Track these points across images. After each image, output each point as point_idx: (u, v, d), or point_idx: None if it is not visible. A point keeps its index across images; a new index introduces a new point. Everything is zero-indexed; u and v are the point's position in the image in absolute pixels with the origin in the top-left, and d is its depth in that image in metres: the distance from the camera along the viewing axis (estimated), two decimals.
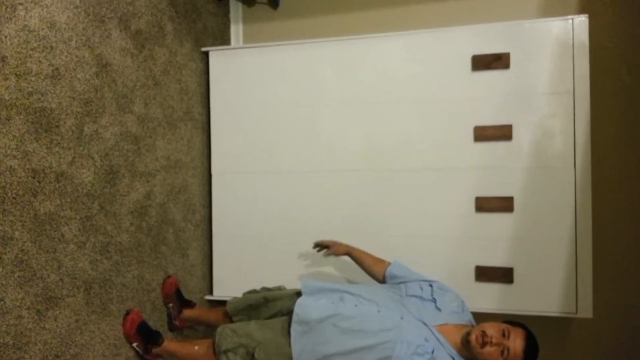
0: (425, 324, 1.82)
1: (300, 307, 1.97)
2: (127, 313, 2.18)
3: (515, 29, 2.40)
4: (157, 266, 2.41)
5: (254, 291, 2.32)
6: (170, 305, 2.45)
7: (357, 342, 1.80)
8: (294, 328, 1.93)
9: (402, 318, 1.84)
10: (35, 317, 1.74)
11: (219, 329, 2.06)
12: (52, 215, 1.81)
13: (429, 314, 1.89)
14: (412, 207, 2.51)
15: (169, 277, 2.47)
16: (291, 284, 2.39)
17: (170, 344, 2.21)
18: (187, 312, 2.48)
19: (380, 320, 1.84)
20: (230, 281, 2.76)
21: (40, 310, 1.76)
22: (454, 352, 1.76)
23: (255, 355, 1.92)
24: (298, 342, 1.91)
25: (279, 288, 2.30)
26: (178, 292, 2.49)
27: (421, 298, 1.98)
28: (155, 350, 2.19)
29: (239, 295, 2.34)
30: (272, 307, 2.17)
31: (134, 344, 2.17)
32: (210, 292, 2.81)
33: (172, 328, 2.48)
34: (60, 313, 1.84)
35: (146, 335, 2.19)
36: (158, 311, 2.40)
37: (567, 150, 2.33)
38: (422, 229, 2.50)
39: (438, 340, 1.76)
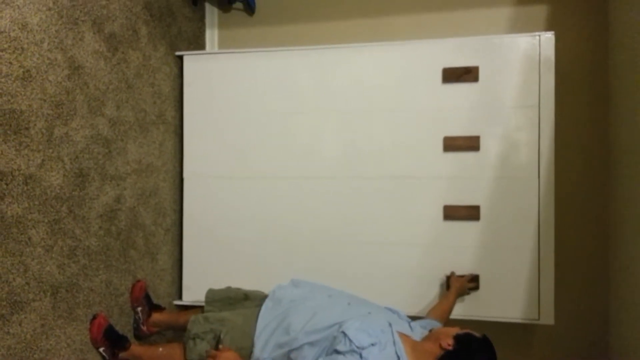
0: (390, 325, 1.86)
1: (279, 288, 2.11)
2: (94, 317, 2.15)
3: (484, 44, 2.47)
4: (126, 271, 2.39)
5: (235, 289, 2.33)
6: (139, 309, 2.43)
7: (320, 322, 1.85)
8: (266, 304, 2.04)
9: (369, 313, 1.89)
10: None
11: (193, 317, 2.10)
12: (19, 218, 1.78)
13: (399, 324, 1.92)
14: (383, 215, 2.55)
15: (138, 281, 2.45)
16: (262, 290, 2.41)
17: (136, 347, 2.22)
18: (157, 316, 2.46)
19: (347, 310, 1.91)
20: (200, 286, 2.73)
21: (5, 314, 1.73)
22: (405, 358, 1.74)
23: (221, 337, 1.95)
24: (265, 317, 1.98)
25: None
26: (147, 297, 2.47)
27: (398, 315, 2.02)
28: (122, 354, 2.18)
29: None
30: (248, 305, 2.19)
31: (101, 349, 2.15)
32: (180, 297, 2.79)
33: (138, 335, 2.45)
34: (25, 317, 1.81)
35: (113, 340, 2.17)
36: (126, 316, 2.38)
37: (531, 161, 2.41)
38: (391, 236, 2.54)
39: (393, 339, 1.77)
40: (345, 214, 2.58)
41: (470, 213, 2.46)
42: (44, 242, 1.89)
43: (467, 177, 2.47)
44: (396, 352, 1.72)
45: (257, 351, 1.93)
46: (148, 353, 2.22)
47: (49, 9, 1.90)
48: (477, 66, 2.46)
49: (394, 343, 1.75)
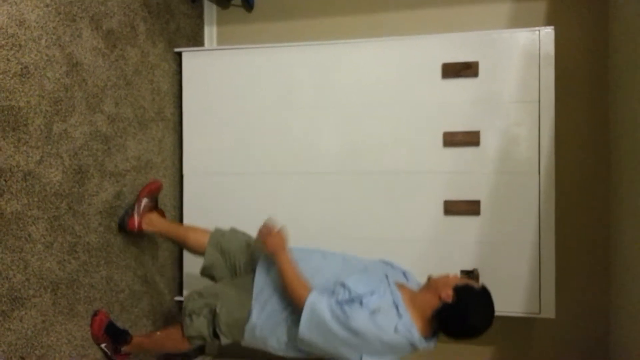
0: (387, 276, 1.89)
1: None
2: (95, 314, 2.16)
3: (484, 39, 2.46)
4: (126, 267, 2.39)
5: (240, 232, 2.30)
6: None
7: (319, 282, 1.87)
8: (261, 263, 2.02)
9: (365, 267, 1.95)
10: (0, 318, 1.71)
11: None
12: (18, 215, 1.78)
13: (394, 274, 1.97)
14: (383, 210, 2.54)
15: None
16: None
17: (137, 339, 2.22)
18: (154, 217, 2.37)
19: (343, 267, 1.95)
20: (200, 282, 2.74)
21: (5, 310, 1.73)
22: (402, 306, 1.75)
23: (217, 310, 1.97)
24: (259, 282, 1.98)
25: None
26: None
27: (392, 265, 2.06)
28: (124, 348, 2.18)
29: None
30: (242, 257, 2.18)
31: (103, 345, 2.16)
32: (180, 293, 2.80)
33: None
34: (26, 314, 1.81)
35: (115, 335, 2.17)
36: (126, 312, 2.38)
37: (532, 156, 2.40)
38: (392, 231, 2.54)
39: (391, 289, 1.81)
40: (345, 209, 2.58)
41: (471, 208, 2.46)
42: (44, 238, 1.90)
43: (467, 172, 2.47)
44: (394, 301, 1.75)
45: (254, 317, 1.94)
46: (148, 340, 2.23)
47: (47, 6, 1.90)
48: (476, 61, 2.45)
49: (392, 293, 1.79)
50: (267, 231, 1.98)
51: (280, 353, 1.96)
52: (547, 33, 2.40)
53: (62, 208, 1.99)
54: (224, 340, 2.01)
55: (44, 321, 1.90)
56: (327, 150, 2.61)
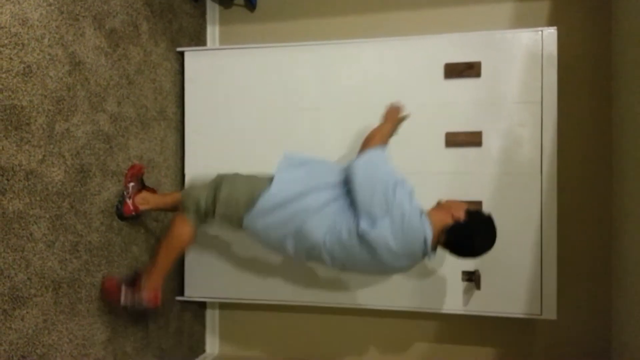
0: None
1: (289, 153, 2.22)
2: (102, 284, 2.17)
3: (487, 39, 2.46)
4: (128, 266, 2.39)
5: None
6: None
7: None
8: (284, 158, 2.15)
9: None
10: (1, 316, 1.71)
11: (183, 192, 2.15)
12: (20, 214, 1.79)
13: None
14: None
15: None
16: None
17: (146, 267, 2.22)
18: (146, 195, 2.37)
19: None
20: (202, 283, 2.75)
21: (7, 309, 1.73)
22: (425, 217, 1.89)
23: (222, 186, 2.02)
24: (289, 171, 2.10)
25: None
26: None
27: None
28: (142, 282, 2.16)
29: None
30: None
31: (122, 297, 2.15)
32: (181, 293, 2.80)
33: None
34: (27, 313, 1.82)
35: (129, 283, 2.18)
36: (127, 313, 2.38)
37: (534, 157, 2.40)
38: None
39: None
40: None
41: None
42: (46, 237, 1.90)
43: (469, 173, 2.47)
44: (419, 208, 1.90)
45: (274, 188, 2.00)
46: (156, 256, 2.19)
47: (50, 5, 1.90)
48: (479, 62, 2.45)
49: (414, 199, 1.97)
50: (394, 109, 2.26)
51: (272, 237, 2.01)
52: (550, 33, 2.40)
53: (64, 207, 1.99)
54: (219, 211, 2.02)
55: (45, 320, 1.90)
56: (330, 150, 2.61)
